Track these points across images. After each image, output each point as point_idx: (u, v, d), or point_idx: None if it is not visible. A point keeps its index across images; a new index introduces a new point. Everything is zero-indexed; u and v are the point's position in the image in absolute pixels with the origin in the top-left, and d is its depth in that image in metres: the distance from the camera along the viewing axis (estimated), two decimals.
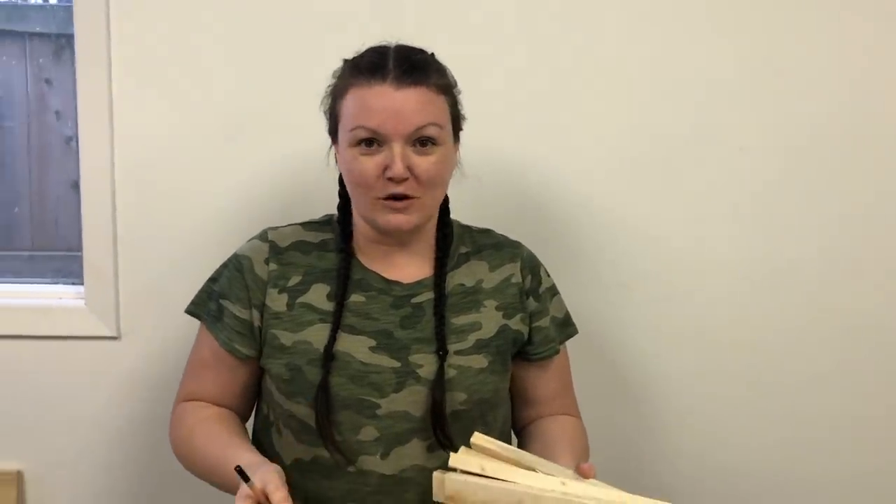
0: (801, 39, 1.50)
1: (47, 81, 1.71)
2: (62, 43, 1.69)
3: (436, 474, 1.02)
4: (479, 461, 1.02)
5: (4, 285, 1.63)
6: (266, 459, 1.09)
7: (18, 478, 1.56)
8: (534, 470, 1.03)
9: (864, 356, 1.58)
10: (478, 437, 1.05)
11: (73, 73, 1.54)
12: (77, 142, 1.67)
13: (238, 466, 1.00)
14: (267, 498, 0.99)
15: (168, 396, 1.30)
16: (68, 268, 1.66)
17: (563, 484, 1.00)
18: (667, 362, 1.59)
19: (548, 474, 1.02)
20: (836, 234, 1.55)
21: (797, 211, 1.54)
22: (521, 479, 1.01)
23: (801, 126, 1.52)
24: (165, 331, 1.51)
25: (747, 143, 1.52)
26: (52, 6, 1.82)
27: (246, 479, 1.00)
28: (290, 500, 0.99)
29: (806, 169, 1.53)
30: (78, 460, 1.57)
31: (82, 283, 1.54)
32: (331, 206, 1.25)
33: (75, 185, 1.72)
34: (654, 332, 1.58)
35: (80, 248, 1.56)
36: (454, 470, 1.02)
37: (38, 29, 1.72)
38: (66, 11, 1.67)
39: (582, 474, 1.05)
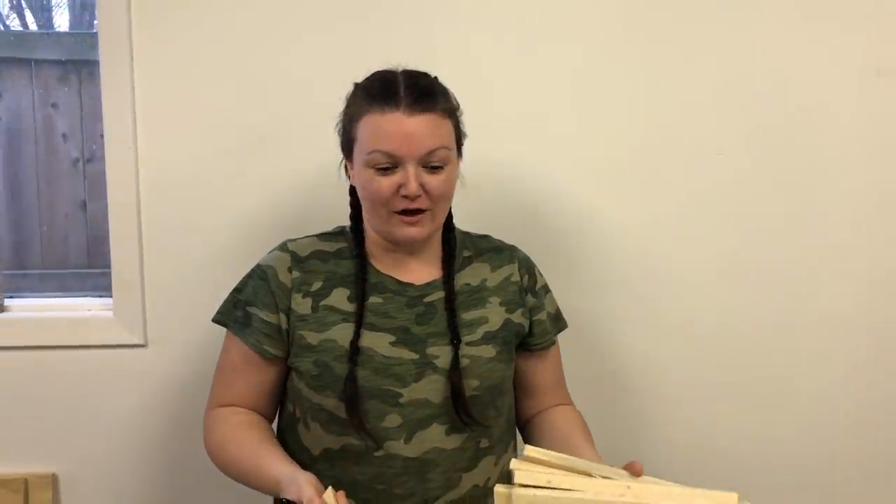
0: (778, 45, 1.56)
1: (54, 106, 1.74)
2: (68, 68, 1.72)
3: (499, 489, 1.00)
4: (545, 475, 1.00)
5: (36, 300, 1.65)
6: (298, 468, 1.15)
7: (53, 480, 1.60)
8: (590, 475, 1.01)
9: (846, 346, 1.64)
10: (530, 450, 1.03)
11: (79, 96, 1.57)
12: (84, 163, 1.74)
13: (282, 500, 1.09)
14: None
15: (193, 400, 1.33)
16: (79, 284, 1.70)
17: (629, 488, 0.99)
18: (657, 356, 1.64)
19: (606, 478, 1.01)
20: (815, 232, 1.61)
21: (777, 210, 1.60)
22: (585, 487, 0.99)
23: (777, 128, 1.57)
24: (190, 338, 1.56)
25: (726, 146, 1.57)
26: (57, 34, 1.85)
27: None
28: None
29: (785, 170, 1.58)
30: (109, 463, 1.61)
31: (110, 295, 1.58)
32: (344, 216, 1.31)
33: (83, 205, 1.78)
34: (646, 328, 1.63)
35: (88, 266, 1.61)
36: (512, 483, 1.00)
37: (44, 56, 1.74)
38: (72, 38, 1.72)
39: (634, 473, 1.05)
